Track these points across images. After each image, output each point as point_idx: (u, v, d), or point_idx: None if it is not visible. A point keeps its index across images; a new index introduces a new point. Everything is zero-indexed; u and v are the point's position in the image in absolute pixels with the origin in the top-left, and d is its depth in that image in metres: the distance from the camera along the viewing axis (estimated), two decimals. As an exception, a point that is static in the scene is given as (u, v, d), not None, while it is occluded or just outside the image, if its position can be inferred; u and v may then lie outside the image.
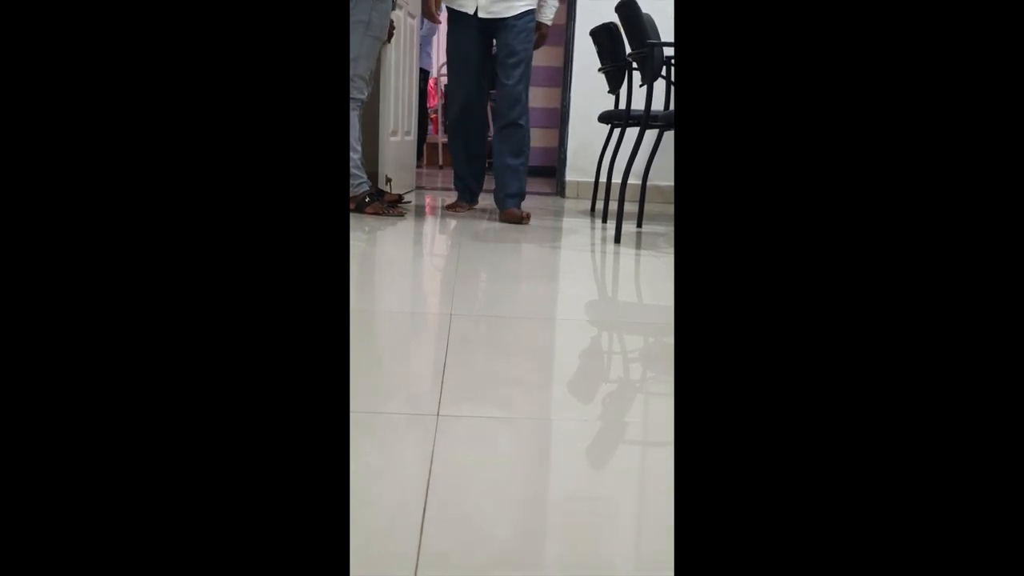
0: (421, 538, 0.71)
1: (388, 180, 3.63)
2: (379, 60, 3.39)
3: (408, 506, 0.76)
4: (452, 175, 3.62)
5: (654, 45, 2.85)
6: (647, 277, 2.16)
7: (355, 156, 3.08)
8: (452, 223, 3.15)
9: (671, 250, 2.65)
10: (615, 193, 3.18)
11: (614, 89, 3.53)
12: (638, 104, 3.17)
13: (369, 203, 3.14)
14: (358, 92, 3.06)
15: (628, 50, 3.18)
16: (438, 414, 1.02)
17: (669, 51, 2.94)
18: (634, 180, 3.46)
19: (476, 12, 3.14)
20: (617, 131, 3.49)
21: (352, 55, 2.98)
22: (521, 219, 3.20)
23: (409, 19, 3.91)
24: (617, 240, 2.80)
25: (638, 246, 2.73)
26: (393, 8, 3.31)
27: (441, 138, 6.92)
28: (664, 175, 4.34)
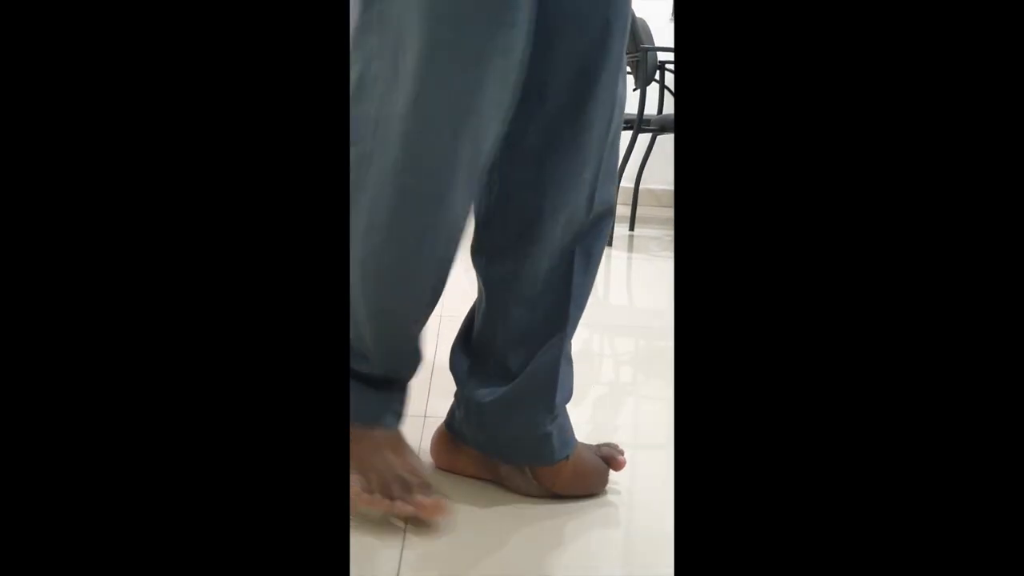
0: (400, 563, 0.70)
1: None
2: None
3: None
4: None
5: (648, 50, 2.86)
6: (638, 280, 2.15)
7: None
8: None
9: (663, 254, 2.65)
10: (607, 196, 3.17)
11: (607, 93, 3.53)
12: (631, 108, 3.17)
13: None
14: None
15: (622, 54, 3.17)
16: (425, 415, 1.01)
17: (662, 55, 2.94)
18: (627, 183, 3.46)
19: None
20: (610, 135, 3.49)
21: None
22: (598, 485, 0.87)
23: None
24: (609, 243, 2.79)
25: (630, 249, 2.73)
26: None
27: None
28: (656, 179, 4.34)
